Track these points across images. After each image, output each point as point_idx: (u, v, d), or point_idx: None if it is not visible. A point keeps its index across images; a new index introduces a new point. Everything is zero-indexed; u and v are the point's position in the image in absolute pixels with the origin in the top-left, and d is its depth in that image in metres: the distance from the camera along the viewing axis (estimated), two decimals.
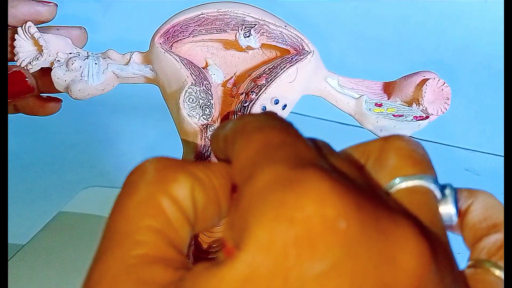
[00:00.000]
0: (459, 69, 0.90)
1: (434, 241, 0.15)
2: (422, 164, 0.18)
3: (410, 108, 0.37)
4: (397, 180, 0.18)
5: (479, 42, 0.89)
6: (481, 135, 0.90)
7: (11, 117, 0.44)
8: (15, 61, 0.37)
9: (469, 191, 0.20)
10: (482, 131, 0.90)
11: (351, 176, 0.17)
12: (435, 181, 0.18)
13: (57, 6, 0.38)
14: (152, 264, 0.15)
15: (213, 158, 0.31)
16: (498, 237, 0.19)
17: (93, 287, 0.15)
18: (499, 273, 0.18)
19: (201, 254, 0.30)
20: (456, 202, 0.18)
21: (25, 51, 0.37)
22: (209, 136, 0.32)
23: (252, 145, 0.17)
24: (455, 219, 0.18)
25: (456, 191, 0.19)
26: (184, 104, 0.32)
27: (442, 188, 0.18)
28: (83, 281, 0.16)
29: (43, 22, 0.38)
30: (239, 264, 0.14)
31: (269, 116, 0.18)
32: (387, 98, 0.39)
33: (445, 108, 0.37)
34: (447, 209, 0.18)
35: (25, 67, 0.36)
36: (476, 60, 0.89)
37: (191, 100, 0.33)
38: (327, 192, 0.14)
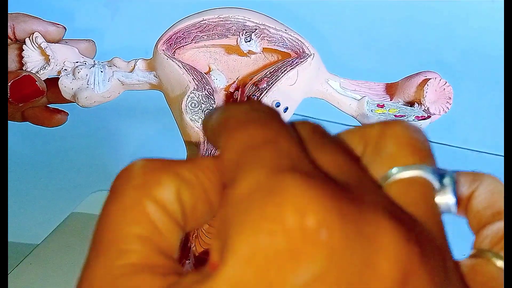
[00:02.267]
0: (462, 69, 0.89)
1: (423, 239, 0.15)
2: (421, 152, 0.17)
3: (412, 108, 0.37)
4: (394, 170, 0.17)
5: (482, 42, 0.88)
6: (483, 136, 0.89)
7: (24, 124, 0.45)
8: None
9: (475, 174, 0.20)
10: (484, 131, 0.89)
11: (339, 171, 0.16)
12: (434, 171, 0.17)
13: (65, 29, 0.40)
14: (139, 273, 0.15)
15: None
16: (500, 226, 0.18)
17: None
18: (501, 264, 0.17)
19: (203, 256, 0.31)
20: (455, 191, 0.17)
21: (33, 61, 0.38)
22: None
23: (234, 145, 0.16)
24: (454, 209, 0.17)
25: (455, 180, 0.18)
26: (186, 109, 0.33)
27: (441, 177, 0.17)
28: None
29: (50, 42, 0.39)
30: (220, 278, 0.13)
31: (252, 107, 0.18)
32: (389, 99, 0.39)
33: (447, 107, 0.37)
34: (445, 199, 0.17)
35: None
36: (480, 61, 0.89)
37: (193, 104, 0.33)
38: (307, 201, 0.14)
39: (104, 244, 0.16)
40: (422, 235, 0.15)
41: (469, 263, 0.18)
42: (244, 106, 0.18)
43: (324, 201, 0.14)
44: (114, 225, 0.16)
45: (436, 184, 0.17)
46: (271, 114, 0.17)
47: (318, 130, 0.18)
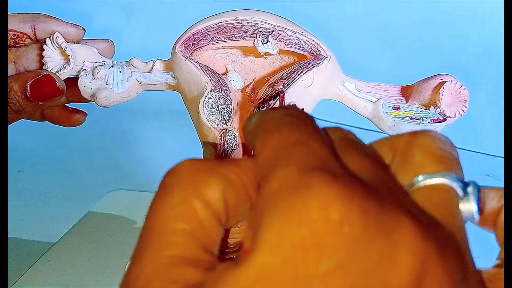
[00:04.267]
0: (478, 72, 0.89)
1: (443, 239, 0.16)
2: (446, 161, 0.18)
3: (428, 111, 0.38)
4: (420, 177, 0.18)
5: (499, 45, 0.88)
6: (500, 140, 0.89)
7: (42, 124, 0.46)
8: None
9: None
10: (502, 135, 0.89)
11: (366, 174, 0.17)
12: (458, 179, 0.18)
13: (85, 30, 0.40)
14: (183, 264, 0.16)
15: None
16: None
17: (130, 285, 0.16)
18: None
19: (230, 248, 0.31)
20: (479, 200, 0.18)
21: (53, 61, 0.38)
22: (228, 140, 0.33)
23: (269, 146, 0.18)
24: (476, 216, 0.18)
25: (479, 189, 0.19)
26: (203, 110, 0.33)
27: (465, 185, 0.18)
28: (122, 278, 0.17)
29: (70, 42, 0.40)
30: (252, 264, 0.15)
31: (287, 112, 0.19)
32: (405, 102, 0.39)
33: (463, 110, 0.37)
34: (468, 207, 0.18)
35: None
36: (496, 64, 0.88)
37: (210, 105, 0.34)
38: (332, 197, 0.15)
39: (154, 236, 0.17)
40: (442, 235, 0.16)
41: (492, 271, 0.19)
42: (280, 111, 0.19)
43: (347, 197, 0.15)
44: (163, 219, 0.17)
45: (460, 192, 0.18)
46: (305, 118, 0.19)
47: (348, 137, 0.19)
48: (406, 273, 0.14)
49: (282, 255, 0.14)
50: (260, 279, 0.14)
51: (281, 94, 0.34)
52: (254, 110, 0.35)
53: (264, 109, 0.20)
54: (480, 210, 0.19)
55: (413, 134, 0.19)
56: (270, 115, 0.19)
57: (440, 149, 0.19)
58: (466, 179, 0.19)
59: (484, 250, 0.25)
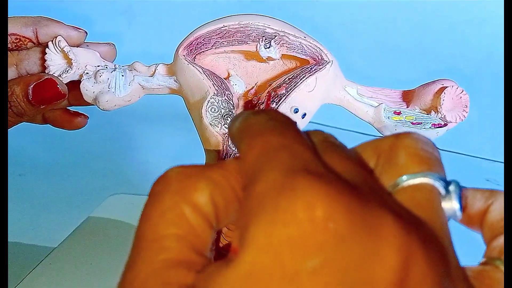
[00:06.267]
0: (479, 77, 0.89)
1: (426, 236, 0.16)
2: (429, 162, 0.19)
3: (429, 116, 0.38)
4: (404, 177, 0.19)
5: (499, 50, 0.88)
6: (500, 145, 0.89)
7: (43, 128, 0.46)
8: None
9: (491, 191, 0.21)
10: (501, 141, 0.89)
11: (348, 174, 0.18)
12: (440, 178, 0.19)
13: (86, 33, 0.40)
14: (176, 267, 0.17)
15: None
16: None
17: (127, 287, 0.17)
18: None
19: (224, 249, 0.31)
20: (460, 198, 0.19)
21: (55, 64, 0.38)
22: (231, 144, 0.33)
23: (254, 150, 0.18)
24: (459, 214, 0.19)
25: (460, 187, 0.19)
26: (206, 114, 0.34)
27: (447, 184, 0.19)
28: (118, 283, 0.17)
29: (72, 46, 0.40)
30: (241, 263, 0.15)
31: (270, 116, 0.20)
32: (406, 106, 0.39)
33: (464, 115, 0.37)
34: (451, 205, 0.19)
35: None
36: (497, 69, 0.89)
37: (213, 109, 0.34)
38: (317, 197, 0.15)
39: (146, 242, 0.17)
40: (425, 232, 0.17)
41: (478, 269, 0.19)
42: (262, 115, 0.20)
43: (332, 196, 0.15)
44: (154, 226, 0.18)
45: (442, 190, 0.19)
46: (287, 122, 0.19)
47: (329, 139, 0.20)
48: (390, 267, 0.15)
49: (270, 253, 0.15)
50: (249, 277, 0.15)
51: (267, 96, 0.34)
52: None
53: (246, 112, 0.21)
54: (463, 208, 0.19)
55: (397, 136, 0.20)
56: (253, 120, 0.20)
57: (423, 150, 0.19)
58: (449, 179, 0.19)
59: (468, 249, 0.25)
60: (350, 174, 0.18)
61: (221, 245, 0.31)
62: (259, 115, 0.20)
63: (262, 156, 0.17)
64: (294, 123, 0.19)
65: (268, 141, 0.18)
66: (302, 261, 0.15)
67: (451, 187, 0.19)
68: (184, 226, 0.17)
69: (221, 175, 0.19)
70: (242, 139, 0.19)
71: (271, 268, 0.15)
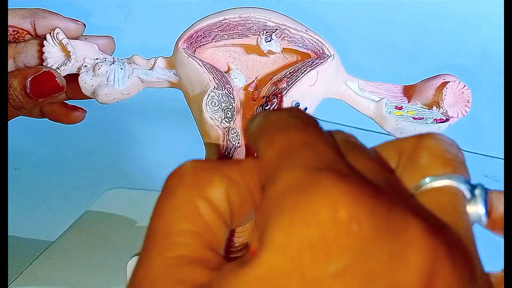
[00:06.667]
0: (480, 73, 0.89)
1: (451, 241, 0.16)
2: (453, 164, 0.18)
3: (430, 111, 0.37)
4: (427, 179, 0.18)
5: (498, 46, 0.88)
6: (499, 141, 0.89)
7: (40, 122, 0.46)
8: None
9: None
10: (501, 136, 0.89)
11: (371, 175, 0.17)
12: (465, 181, 0.18)
13: (85, 26, 0.40)
14: (189, 264, 0.16)
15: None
16: None
17: (137, 285, 0.16)
18: None
19: (235, 249, 0.31)
20: (486, 202, 0.18)
21: (53, 57, 0.38)
22: (231, 138, 0.33)
23: (274, 148, 0.17)
24: (484, 219, 0.18)
25: (486, 191, 0.19)
26: (206, 107, 0.33)
27: (473, 188, 0.18)
28: (128, 279, 0.17)
29: (70, 38, 0.39)
30: (259, 264, 0.14)
31: (291, 114, 0.19)
32: (407, 101, 0.39)
33: (466, 111, 0.37)
34: (476, 209, 0.18)
35: None
36: (496, 65, 0.88)
37: (213, 103, 0.33)
38: (340, 197, 0.15)
39: (158, 237, 0.17)
40: (450, 236, 0.16)
41: (500, 275, 0.18)
42: (283, 112, 0.19)
43: (355, 197, 0.15)
44: (167, 220, 0.17)
45: (467, 194, 0.18)
46: (308, 120, 0.19)
47: (351, 140, 0.19)
48: (415, 273, 0.14)
49: (290, 255, 0.14)
50: (267, 280, 0.14)
51: (279, 96, 0.33)
52: (257, 109, 0.34)
53: (266, 110, 0.20)
54: (488, 212, 0.19)
55: (420, 136, 0.19)
56: (274, 117, 0.19)
57: (447, 152, 0.19)
58: (474, 182, 0.19)
59: (492, 254, 0.25)
60: (373, 175, 0.17)
61: (232, 243, 0.31)
62: (280, 112, 0.19)
63: (283, 153, 0.17)
64: (315, 121, 0.19)
65: (290, 138, 0.17)
66: (323, 265, 0.14)
67: (477, 191, 0.18)
68: (198, 222, 0.17)
69: (238, 173, 0.18)
70: (262, 137, 0.19)
71: (290, 271, 0.14)
